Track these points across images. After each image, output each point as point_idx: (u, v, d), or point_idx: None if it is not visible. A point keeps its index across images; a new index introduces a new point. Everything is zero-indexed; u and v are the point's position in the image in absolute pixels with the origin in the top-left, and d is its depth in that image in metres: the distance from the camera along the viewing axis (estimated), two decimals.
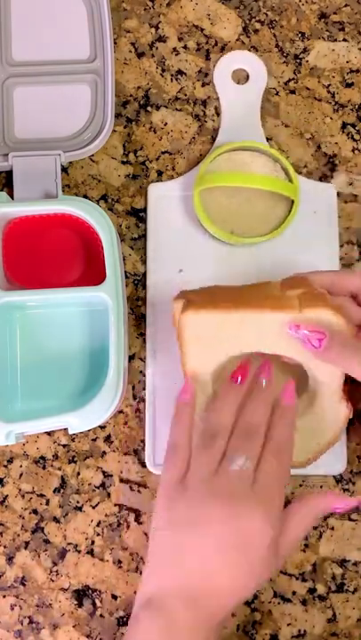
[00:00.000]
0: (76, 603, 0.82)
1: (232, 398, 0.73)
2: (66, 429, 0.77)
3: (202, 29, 0.91)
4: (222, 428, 0.72)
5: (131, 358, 0.85)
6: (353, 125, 0.90)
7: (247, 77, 0.90)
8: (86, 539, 0.83)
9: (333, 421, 0.77)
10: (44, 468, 0.84)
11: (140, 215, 0.88)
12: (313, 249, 0.86)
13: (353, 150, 0.89)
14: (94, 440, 0.84)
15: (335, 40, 0.91)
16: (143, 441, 0.84)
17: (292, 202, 0.84)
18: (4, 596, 0.82)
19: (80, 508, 0.83)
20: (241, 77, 0.90)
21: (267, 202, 0.84)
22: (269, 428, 0.72)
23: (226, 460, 0.70)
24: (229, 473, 0.69)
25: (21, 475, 0.84)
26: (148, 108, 0.90)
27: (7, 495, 0.83)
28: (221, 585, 0.67)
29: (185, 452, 0.72)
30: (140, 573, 0.82)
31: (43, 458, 0.84)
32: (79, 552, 0.83)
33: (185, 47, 0.91)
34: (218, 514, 0.67)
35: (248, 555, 0.67)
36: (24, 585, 0.82)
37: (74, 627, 0.81)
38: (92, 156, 0.88)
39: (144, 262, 0.86)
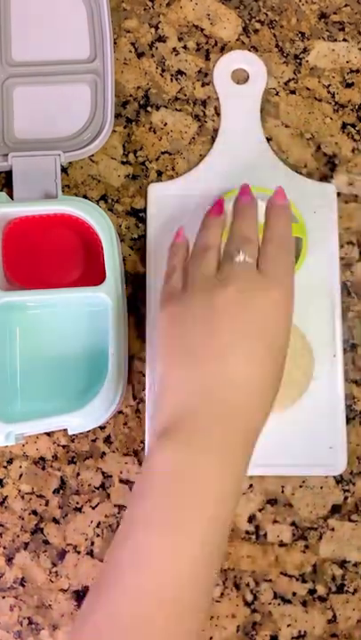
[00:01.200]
0: (75, 604, 0.81)
1: (214, 224, 0.74)
2: (65, 430, 0.77)
3: (202, 29, 0.91)
4: (212, 244, 0.71)
5: (131, 358, 0.85)
6: (353, 125, 0.89)
7: (247, 77, 0.90)
8: (86, 539, 0.83)
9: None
10: (43, 468, 0.83)
11: (139, 215, 0.87)
12: (313, 249, 0.85)
13: (353, 150, 0.89)
14: (94, 441, 0.84)
15: (335, 40, 0.91)
16: (143, 441, 0.83)
17: (301, 239, 0.84)
18: (4, 597, 0.82)
19: (80, 509, 0.83)
20: (241, 77, 0.90)
21: None
22: (267, 229, 0.71)
23: (225, 258, 0.69)
24: (232, 265, 0.68)
25: (21, 475, 0.83)
26: (148, 109, 0.89)
27: (7, 496, 0.83)
28: (241, 376, 0.63)
29: (181, 273, 0.72)
30: None
31: (42, 458, 0.83)
32: (79, 553, 0.82)
33: (185, 47, 0.90)
34: (228, 304, 0.65)
35: (266, 339, 0.65)
36: (23, 586, 0.82)
37: None
38: (92, 156, 0.88)
39: (144, 262, 0.86)
